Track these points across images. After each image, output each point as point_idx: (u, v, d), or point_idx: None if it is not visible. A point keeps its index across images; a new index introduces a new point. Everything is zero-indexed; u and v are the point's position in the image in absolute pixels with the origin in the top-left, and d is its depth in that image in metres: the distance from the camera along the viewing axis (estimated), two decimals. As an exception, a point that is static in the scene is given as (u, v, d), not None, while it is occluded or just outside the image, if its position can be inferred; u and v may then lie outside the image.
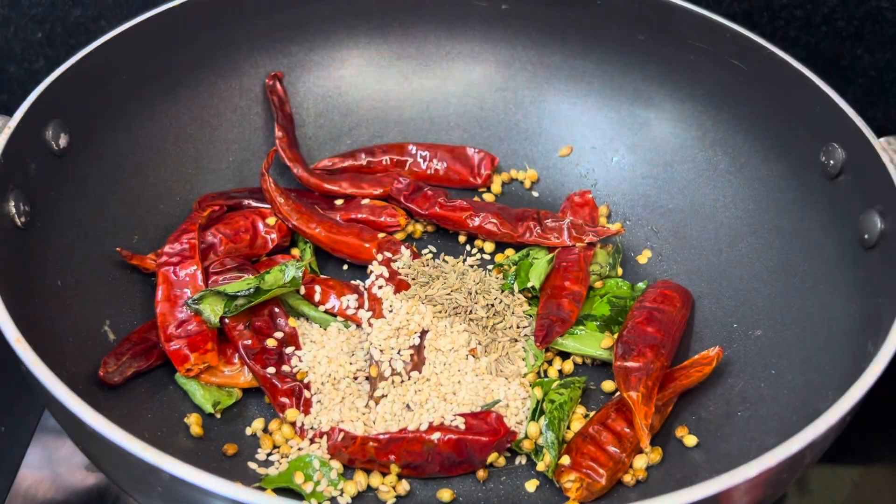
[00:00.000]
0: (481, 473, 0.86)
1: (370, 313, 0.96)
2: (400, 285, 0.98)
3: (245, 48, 1.13)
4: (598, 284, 1.01)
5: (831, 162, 0.94)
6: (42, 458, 0.95)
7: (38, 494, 0.92)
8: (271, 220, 1.03)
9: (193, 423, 0.88)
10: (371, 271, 1.01)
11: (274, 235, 1.03)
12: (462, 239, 1.08)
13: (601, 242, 1.04)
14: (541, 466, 0.86)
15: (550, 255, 1.01)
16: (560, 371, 0.95)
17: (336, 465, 0.85)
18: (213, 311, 0.91)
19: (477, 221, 1.05)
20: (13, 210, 0.86)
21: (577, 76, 1.15)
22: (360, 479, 0.85)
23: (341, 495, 0.83)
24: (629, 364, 0.88)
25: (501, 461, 0.87)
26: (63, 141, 0.94)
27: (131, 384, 0.89)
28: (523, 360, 0.93)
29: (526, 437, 0.88)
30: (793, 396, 0.86)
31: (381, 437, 0.85)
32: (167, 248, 0.96)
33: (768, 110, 1.02)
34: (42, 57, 1.27)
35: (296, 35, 1.15)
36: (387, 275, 0.99)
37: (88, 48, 0.97)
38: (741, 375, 0.92)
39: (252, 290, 0.91)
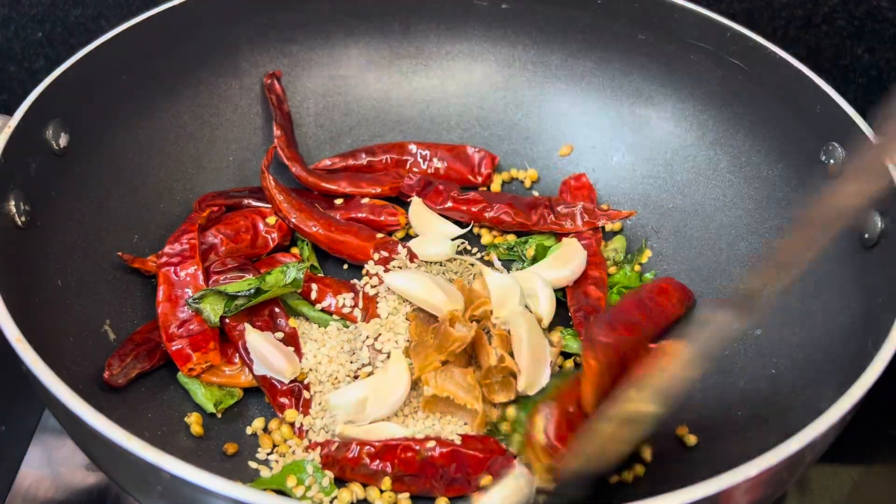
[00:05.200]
0: (476, 497, 0.83)
1: (365, 312, 0.96)
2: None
3: (245, 48, 1.13)
4: (612, 270, 1.03)
5: (832, 161, 0.94)
6: (42, 457, 0.95)
7: (38, 494, 0.92)
8: (271, 220, 1.03)
9: (194, 422, 0.88)
10: (367, 271, 1.00)
11: (274, 235, 1.03)
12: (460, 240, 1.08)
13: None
14: (513, 448, 0.84)
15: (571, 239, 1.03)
16: (560, 367, 0.95)
17: (329, 473, 0.84)
18: (213, 310, 0.91)
19: (492, 213, 1.06)
20: (14, 210, 0.86)
21: (577, 76, 1.15)
22: (355, 489, 0.84)
23: (334, 501, 0.83)
24: (602, 339, 0.84)
25: None
26: (63, 140, 0.93)
27: (132, 384, 0.89)
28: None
29: (504, 419, 0.87)
30: (793, 396, 0.86)
31: (376, 443, 0.84)
32: (167, 249, 0.96)
33: (768, 110, 1.02)
34: (42, 56, 1.27)
35: (296, 35, 1.15)
36: (382, 274, 0.99)
37: (89, 48, 0.97)
38: (741, 375, 0.92)
39: (252, 291, 0.91)
